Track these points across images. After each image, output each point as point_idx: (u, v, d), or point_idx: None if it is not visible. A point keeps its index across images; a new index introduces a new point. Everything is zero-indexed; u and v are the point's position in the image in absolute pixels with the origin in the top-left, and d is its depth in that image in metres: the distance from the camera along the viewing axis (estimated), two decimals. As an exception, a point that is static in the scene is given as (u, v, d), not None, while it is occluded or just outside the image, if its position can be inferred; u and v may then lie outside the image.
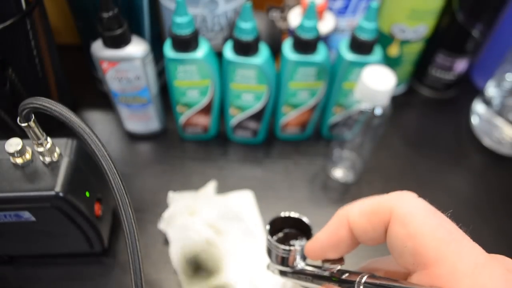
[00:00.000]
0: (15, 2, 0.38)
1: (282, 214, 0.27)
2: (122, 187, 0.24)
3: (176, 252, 0.41)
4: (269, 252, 0.27)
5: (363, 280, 0.19)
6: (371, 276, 0.19)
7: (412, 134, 0.56)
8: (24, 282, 0.40)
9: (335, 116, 0.50)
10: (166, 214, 0.43)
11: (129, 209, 0.24)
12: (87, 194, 0.36)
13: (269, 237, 0.26)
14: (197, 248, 0.40)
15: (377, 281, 0.19)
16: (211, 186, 0.46)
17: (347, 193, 0.49)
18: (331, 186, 0.49)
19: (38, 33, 0.42)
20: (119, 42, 0.41)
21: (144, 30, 0.49)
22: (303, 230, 0.27)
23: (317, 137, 0.54)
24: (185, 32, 0.40)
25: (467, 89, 0.60)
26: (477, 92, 0.57)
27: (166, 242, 0.43)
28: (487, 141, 0.54)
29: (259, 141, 0.53)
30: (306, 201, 0.48)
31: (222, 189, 0.47)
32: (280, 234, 0.28)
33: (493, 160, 0.53)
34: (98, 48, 0.42)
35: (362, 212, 0.21)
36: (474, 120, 0.56)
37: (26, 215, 0.34)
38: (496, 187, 0.50)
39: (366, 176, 0.50)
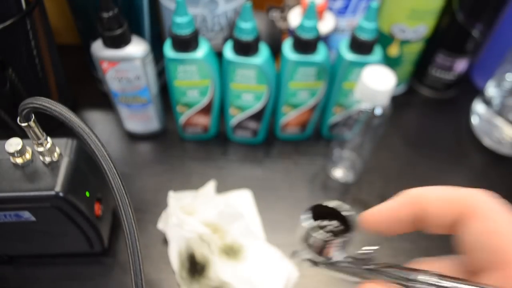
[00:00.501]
0: (15, 2, 0.38)
1: (324, 203, 0.25)
2: (122, 187, 0.24)
3: (174, 252, 0.41)
4: (305, 239, 0.25)
5: (427, 276, 0.17)
6: (434, 274, 0.18)
7: (412, 134, 0.56)
8: (23, 282, 0.40)
9: (335, 116, 0.50)
10: (164, 214, 0.43)
11: (129, 209, 0.24)
12: (87, 194, 0.36)
13: (309, 223, 0.25)
14: (191, 247, 0.40)
15: (446, 281, 0.17)
16: (211, 185, 0.46)
17: (347, 193, 0.49)
18: (331, 186, 0.49)
19: (38, 33, 0.42)
20: (119, 42, 0.41)
21: (144, 30, 0.49)
22: (342, 222, 0.25)
23: (317, 137, 0.54)
24: (185, 32, 0.40)
25: (467, 89, 0.60)
26: (477, 92, 0.57)
27: (166, 242, 0.43)
28: (487, 141, 0.54)
29: (259, 141, 0.53)
30: (306, 201, 0.48)
31: (222, 189, 0.47)
32: (317, 223, 0.26)
33: (493, 160, 0.53)
34: (98, 48, 0.42)
35: (439, 197, 0.20)
36: (474, 120, 0.56)
37: (26, 215, 0.34)
38: (496, 187, 0.50)
39: (366, 176, 0.50)
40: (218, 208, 0.42)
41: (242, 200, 0.46)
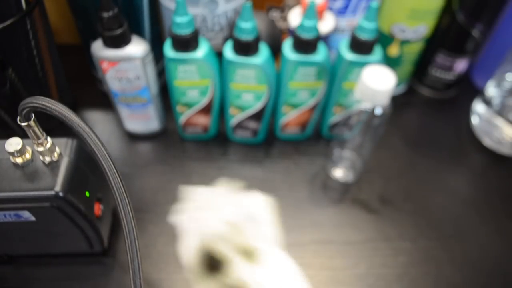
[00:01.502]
0: (15, 2, 0.38)
1: None
2: (122, 187, 0.24)
3: (190, 247, 0.41)
4: None
5: None
6: None
7: (412, 134, 0.56)
8: (23, 282, 0.40)
9: (335, 116, 0.50)
10: (176, 207, 0.42)
11: (129, 208, 0.24)
12: (87, 194, 0.36)
13: None
14: (210, 244, 0.40)
15: None
16: (228, 184, 0.46)
17: (347, 193, 0.49)
18: (331, 186, 0.49)
19: (38, 33, 0.42)
20: (119, 42, 0.41)
21: (144, 30, 0.49)
22: None
23: (317, 137, 0.54)
24: (185, 32, 0.40)
25: (467, 89, 0.60)
26: (477, 92, 0.57)
27: (166, 241, 0.43)
28: (487, 141, 0.54)
29: (259, 141, 0.53)
30: (306, 201, 0.48)
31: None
32: None
33: (493, 160, 0.53)
34: (98, 48, 0.42)
35: None
36: (474, 120, 0.56)
37: (26, 215, 0.34)
38: (496, 187, 0.50)
39: (366, 176, 0.50)
40: (235, 207, 0.42)
41: (260, 203, 0.46)
